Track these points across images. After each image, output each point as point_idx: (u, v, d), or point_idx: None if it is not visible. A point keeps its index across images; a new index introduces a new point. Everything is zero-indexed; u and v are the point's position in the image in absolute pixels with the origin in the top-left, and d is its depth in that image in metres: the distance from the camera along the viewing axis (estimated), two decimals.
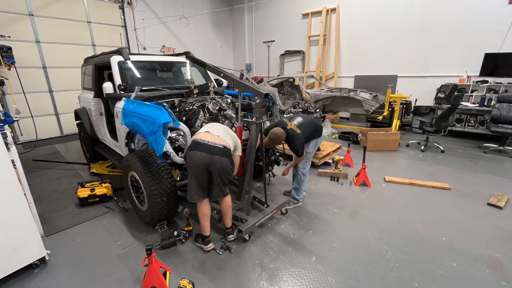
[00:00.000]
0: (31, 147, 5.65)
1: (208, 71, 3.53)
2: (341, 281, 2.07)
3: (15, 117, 3.12)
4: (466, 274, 2.13)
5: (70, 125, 6.45)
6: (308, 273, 2.16)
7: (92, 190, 3.20)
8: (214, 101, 2.83)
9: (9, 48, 4.93)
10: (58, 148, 5.85)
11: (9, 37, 4.65)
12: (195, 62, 3.38)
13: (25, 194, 2.38)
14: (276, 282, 2.06)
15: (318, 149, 4.41)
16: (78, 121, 4.46)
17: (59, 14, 6.12)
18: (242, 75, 2.62)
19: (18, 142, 5.84)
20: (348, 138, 5.96)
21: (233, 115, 2.96)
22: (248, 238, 2.50)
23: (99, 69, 3.79)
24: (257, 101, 2.33)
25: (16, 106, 5.14)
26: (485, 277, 2.10)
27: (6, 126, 3.31)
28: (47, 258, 2.27)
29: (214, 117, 2.77)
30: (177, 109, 2.91)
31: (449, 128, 5.79)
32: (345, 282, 2.05)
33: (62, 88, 6.37)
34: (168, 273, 2.14)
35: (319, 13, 8.08)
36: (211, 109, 2.70)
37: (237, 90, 2.49)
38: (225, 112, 2.88)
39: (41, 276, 2.16)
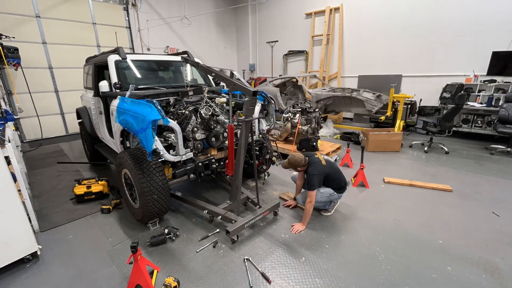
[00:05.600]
0: (36, 146, 5.79)
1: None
2: (329, 282, 2.02)
3: (16, 116, 3.20)
4: (461, 278, 2.05)
5: (75, 124, 6.55)
6: (296, 273, 2.12)
7: (89, 187, 3.25)
8: (207, 105, 2.82)
9: (16, 49, 5.08)
10: (62, 146, 5.98)
11: (14, 37, 4.79)
12: (188, 62, 3.40)
13: (19, 190, 2.43)
14: (263, 282, 2.03)
15: (317, 149, 4.36)
16: (79, 120, 4.54)
17: (65, 15, 6.26)
18: (232, 74, 2.61)
19: (24, 141, 6.01)
20: (350, 138, 5.87)
21: (226, 120, 2.95)
22: (236, 239, 2.47)
23: (98, 69, 3.85)
24: (246, 99, 2.31)
25: (18, 105, 5.28)
26: (481, 282, 2.02)
27: (10, 124, 3.42)
28: (39, 253, 2.31)
29: (206, 122, 2.77)
30: (173, 108, 2.92)
31: (455, 128, 5.63)
32: (332, 284, 2.00)
33: (67, 88, 6.51)
34: (155, 271, 2.14)
35: (322, 12, 8.02)
36: (203, 114, 2.70)
37: (227, 88, 2.49)
38: (217, 118, 2.88)
39: (32, 270, 2.19)
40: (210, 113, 2.76)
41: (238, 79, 2.51)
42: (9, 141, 2.61)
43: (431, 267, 2.17)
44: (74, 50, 6.48)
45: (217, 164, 2.93)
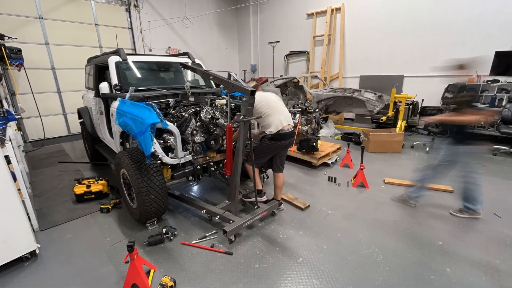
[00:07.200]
0: (39, 145, 5.85)
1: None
2: (326, 283, 2.01)
3: (17, 116, 3.22)
4: (460, 280, 2.03)
5: (77, 125, 6.59)
6: (293, 274, 2.11)
7: (88, 187, 3.27)
8: (207, 108, 2.82)
9: (19, 50, 5.10)
10: (64, 146, 6.03)
11: (16, 38, 4.84)
12: (186, 68, 3.42)
13: (19, 189, 2.46)
14: (259, 282, 2.03)
15: (317, 149, 4.34)
16: (80, 120, 4.58)
17: (68, 17, 6.33)
18: (229, 75, 2.62)
19: (27, 141, 6.07)
20: (351, 139, 5.84)
21: (225, 123, 2.95)
22: (233, 239, 2.47)
23: (99, 69, 3.87)
24: (244, 99, 2.31)
25: (20, 105, 5.35)
26: (481, 284, 1.99)
27: (12, 123, 3.46)
28: (37, 251, 2.33)
29: (205, 125, 2.78)
30: (173, 110, 2.93)
31: None
32: (329, 285, 1.99)
33: (70, 89, 6.58)
34: (152, 271, 2.14)
35: (323, 13, 8.00)
36: (203, 118, 2.70)
37: (226, 90, 2.49)
38: (217, 121, 2.88)
39: (31, 269, 2.21)
40: (210, 116, 2.77)
41: (236, 80, 2.51)
42: (10, 141, 2.64)
43: (430, 269, 2.14)
44: (77, 51, 6.54)
45: (215, 167, 2.93)
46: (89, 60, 4.52)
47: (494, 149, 4.93)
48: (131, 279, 1.92)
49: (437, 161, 2.90)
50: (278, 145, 2.74)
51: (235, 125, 2.85)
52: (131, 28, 7.62)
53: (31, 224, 2.55)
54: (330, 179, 3.87)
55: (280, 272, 2.13)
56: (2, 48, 4.27)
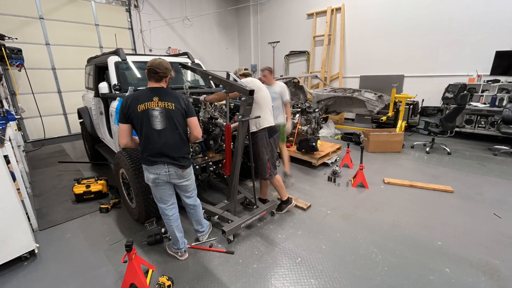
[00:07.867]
0: (39, 146, 5.86)
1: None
2: (324, 283, 2.00)
3: (17, 116, 3.22)
4: (459, 281, 2.02)
5: (78, 125, 6.62)
6: (291, 274, 2.11)
7: (88, 186, 3.27)
8: (207, 109, 2.82)
9: (19, 50, 5.12)
10: (64, 146, 6.04)
11: (16, 39, 4.86)
12: (185, 68, 3.43)
13: (18, 189, 2.46)
14: (257, 282, 2.02)
15: (316, 149, 4.33)
16: (80, 120, 4.59)
17: (68, 17, 6.34)
18: (228, 75, 2.61)
19: (27, 141, 6.08)
20: (351, 139, 5.83)
21: (224, 123, 2.95)
22: (232, 239, 2.47)
23: (99, 69, 3.88)
24: (243, 98, 2.31)
25: (20, 105, 5.37)
26: (480, 285, 1.98)
27: (12, 123, 3.46)
28: (36, 251, 2.33)
29: (204, 125, 2.78)
30: None
31: (458, 129, 5.57)
32: (328, 285, 1.99)
33: (70, 89, 6.59)
34: (151, 270, 2.14)
35: (324, 13, 8.00)
36: (201, 117, 2.70)
37: (224, 90, 2.50)
38: (216, 121, 2.88)
39: (29, 268, 2.21)
40: (208, 116, 2.77)
41: (234, 79, 2.51)
42: (10, 141, 2.64)
43: (429, 269, 2.14)
44: (77, 51, 6.55)
45: (214, 166, 2.93)
46: (89, 60, 4.53)
47: (494, 149, 4.92)
48: (129, 278, 1.92)
49: None
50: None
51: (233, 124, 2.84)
52: (131, 28, 7.63)
53: (31, 224, 2.55)
54: (329, 179, 3.87)
55: (278, 272, 2.13)
56: (3, 48, 4.29)
